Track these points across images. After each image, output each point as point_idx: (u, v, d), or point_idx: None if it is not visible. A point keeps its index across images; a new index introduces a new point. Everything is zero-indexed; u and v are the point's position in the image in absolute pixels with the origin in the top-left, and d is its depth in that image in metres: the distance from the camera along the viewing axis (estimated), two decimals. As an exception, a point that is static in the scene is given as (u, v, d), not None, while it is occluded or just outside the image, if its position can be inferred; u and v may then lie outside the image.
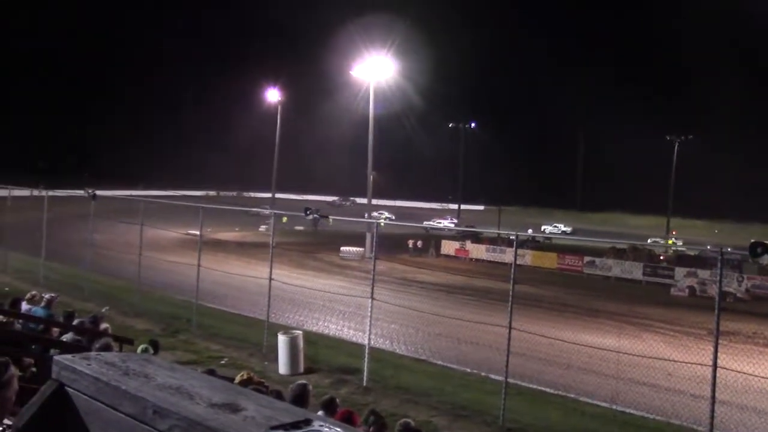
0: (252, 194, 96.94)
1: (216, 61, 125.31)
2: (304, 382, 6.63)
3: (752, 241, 9.65)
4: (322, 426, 1.34)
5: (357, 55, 50.84)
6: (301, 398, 6.24)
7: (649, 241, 63.58)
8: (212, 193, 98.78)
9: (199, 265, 19.12)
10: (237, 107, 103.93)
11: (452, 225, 79.62)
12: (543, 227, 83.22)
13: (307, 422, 1.36)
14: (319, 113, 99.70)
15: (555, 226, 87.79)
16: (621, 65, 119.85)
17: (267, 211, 35.84)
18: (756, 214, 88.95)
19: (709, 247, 35.63)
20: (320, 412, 6.99)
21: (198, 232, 20.54)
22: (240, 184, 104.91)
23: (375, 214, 67.92)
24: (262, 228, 53.27)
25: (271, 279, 17.33)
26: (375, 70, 49.06)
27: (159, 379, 1.64)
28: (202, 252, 19.71)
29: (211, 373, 6.48)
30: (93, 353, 1.83)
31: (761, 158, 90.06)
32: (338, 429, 1.33)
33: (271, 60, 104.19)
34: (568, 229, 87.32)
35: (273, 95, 69.61)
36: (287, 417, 1.40)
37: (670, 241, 69.88)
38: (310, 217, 16.16)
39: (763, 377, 13.21)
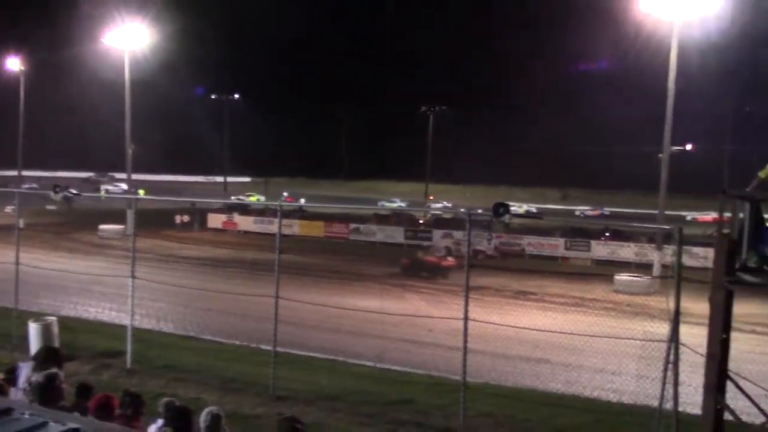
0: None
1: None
2: (53, 371, 6.07)
3: (495, 202, 10.39)
4: (23, 414, 1.22)
5: (110, 22, 47.56)
6: (48, 391, 5.67)
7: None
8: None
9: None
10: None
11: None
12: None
13: (8, 411, 1.23)
14: (69, 84, 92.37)
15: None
16: (374, 44, 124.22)
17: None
18: (503, 178, 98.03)
19: (462, 210, 38.14)
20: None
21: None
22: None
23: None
24: (9, 209, 48.53)
25: (18, 263, 15.86)
26: (130, 38, 46.30)
27: None
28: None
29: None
30: None
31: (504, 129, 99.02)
32: (41, 417, 1.21)
33: (14, 27, 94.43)
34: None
35: (14, 64, 63.05)
36: (-15, 408, 1.26)
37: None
38: (60, 195, 14.93)
39: (509, 326, 14.49)
